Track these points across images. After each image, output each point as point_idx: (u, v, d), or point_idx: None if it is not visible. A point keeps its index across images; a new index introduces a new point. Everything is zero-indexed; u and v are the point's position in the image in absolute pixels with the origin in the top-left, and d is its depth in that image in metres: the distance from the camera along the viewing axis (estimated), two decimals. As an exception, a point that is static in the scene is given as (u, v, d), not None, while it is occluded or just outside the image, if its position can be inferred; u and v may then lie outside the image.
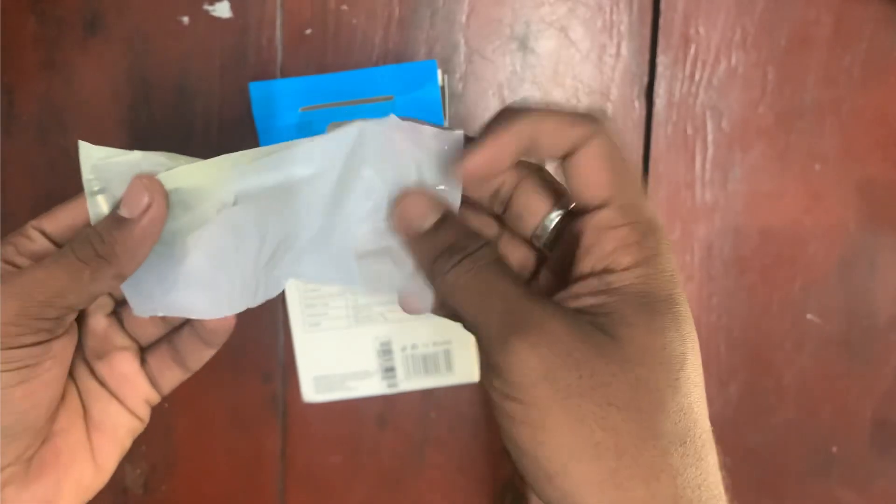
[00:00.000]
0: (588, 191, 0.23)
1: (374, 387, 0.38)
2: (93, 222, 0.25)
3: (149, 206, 0.24)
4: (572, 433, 0.21)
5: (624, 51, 0.40)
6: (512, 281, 0.22)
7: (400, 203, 0.24)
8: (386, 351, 0.37)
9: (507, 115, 0.23)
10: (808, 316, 0.41)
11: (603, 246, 0.23)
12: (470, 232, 0.24)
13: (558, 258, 0.25)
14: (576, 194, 0.24)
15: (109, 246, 0.24)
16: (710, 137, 0.40)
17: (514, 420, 0.21)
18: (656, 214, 0.24)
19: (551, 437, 0.21)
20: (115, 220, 0.24)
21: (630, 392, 0.21)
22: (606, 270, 0.23)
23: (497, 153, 0.23)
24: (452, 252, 0.23)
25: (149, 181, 0.24)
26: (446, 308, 0.25)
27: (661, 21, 0.40)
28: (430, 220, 0.24)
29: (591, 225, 0.23)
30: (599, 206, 0.23)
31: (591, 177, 0.23)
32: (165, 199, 0.24)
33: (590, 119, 0.23)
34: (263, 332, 0.41)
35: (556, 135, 0.23)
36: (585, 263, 0.23)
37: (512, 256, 0.26)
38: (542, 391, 0.21)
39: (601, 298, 0.22)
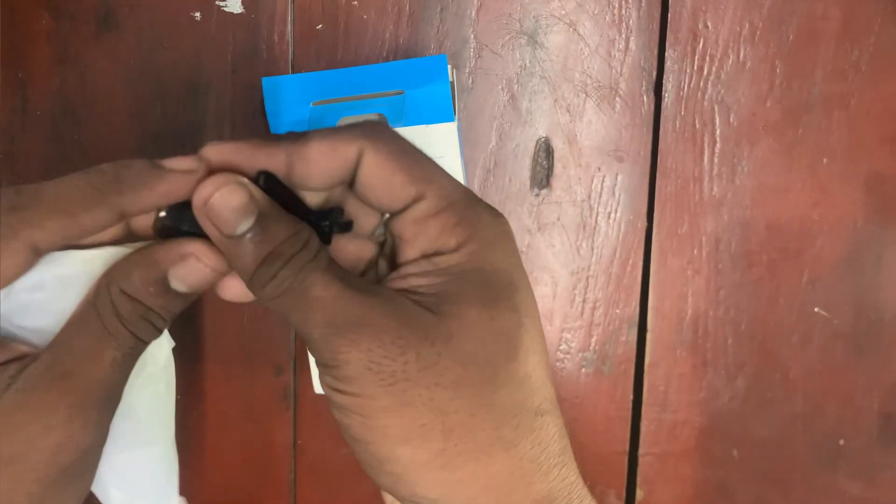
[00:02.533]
0: (390, 201, 0.23)
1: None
2: None
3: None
4: (399, 418, 0.21)
5: (632, 45, 0.40)
6: (331, 281, 0.22)
7: (206, 194, 0.22)
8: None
9: (283, 136, 0.23)
10: (816, 309, 0.41)
11: (427, 234, 0.23)
12: (288, 232, 0.22)
13: (391, 247, 0.25)
14: (381, 206, 0.23)
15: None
16: (718, 132, 0.40)
17: (345, 411, 0.22)
18: (468, 190, 0.23)
19: (379, 424, 0.21)
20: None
21: (458, 369, 0.21)
22: (436, 253, 0.23)
23: (241, 158, 0.22)
24: (272, 261, 0.21)
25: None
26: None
27: (670, 16, 0.40)
28: (245, 223, 0.21)
29: (409, 221, 0.23)
30: (410, 204, 0.23)
31: (384, 186, 0.22)
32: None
33: (353, 133, 0.22)
34: (274, 326, 0.42)
35: (320, 163, 0.22)
36: (412, 250, 0.23)
37: (347, 248, 0.25)
38: (367, 381, 0.21)
39: (428, 279, 0.22)
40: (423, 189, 0.22)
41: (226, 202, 0.21)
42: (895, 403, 0.42)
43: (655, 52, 0.40)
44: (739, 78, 0.40)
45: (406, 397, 0.21)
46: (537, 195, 0.41)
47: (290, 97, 0.36)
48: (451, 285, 0.22)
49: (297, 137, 0.23)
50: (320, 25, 0.40)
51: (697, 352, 0.42)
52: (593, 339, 0.42)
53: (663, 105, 0.40)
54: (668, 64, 0.40)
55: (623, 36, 0.40)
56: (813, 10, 0.40)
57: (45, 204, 0.21)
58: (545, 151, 0.41)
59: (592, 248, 0.41)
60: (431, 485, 0.21)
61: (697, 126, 0.40)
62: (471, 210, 0.23)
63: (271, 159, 0.22)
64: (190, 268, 0.22)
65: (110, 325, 0.22)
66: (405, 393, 0.21)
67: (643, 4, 0.40)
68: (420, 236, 0.23)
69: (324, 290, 0.21)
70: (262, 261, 0.21)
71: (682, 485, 0.42)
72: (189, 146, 0.40)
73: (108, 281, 0.22)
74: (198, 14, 0.40)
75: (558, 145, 0.40)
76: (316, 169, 0.22)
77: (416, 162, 0.23)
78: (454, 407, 0.21)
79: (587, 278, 0.41)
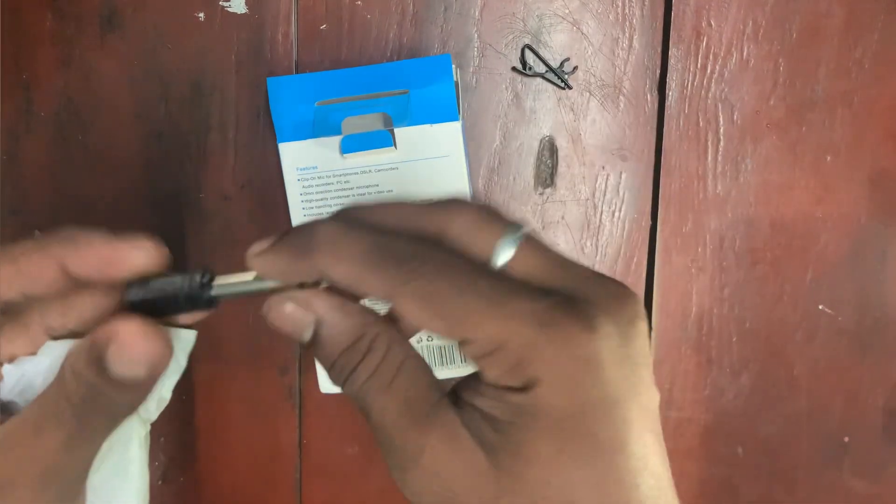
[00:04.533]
0: (440, 336, 0.20)
1: (389, 378, 0.38)
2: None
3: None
4: None
5: (636, 44, 0.40)
6: (387, 405, 0.21)
7: (272, 315, 0.22)
8: (401, 343, 0.38)
9: (306, 235, 0.21)
10: (820, 307, 0.42)
11: (490, 371, 0.20)
12: (347, 341, 0.21)
13: None
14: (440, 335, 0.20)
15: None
16: (721, 130, 0.40)
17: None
18: (535, 317, 0.19)
19: None
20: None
21: None
22: (506, 388, 0.20)
23: (277, 269, 0.21)
24: (338, 368, 0.21)
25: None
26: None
27: (673, 14, 0.40)
28: (306, 334, 0.21)
29: (468, 355, 0.20)
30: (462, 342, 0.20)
31: (428, 327, 0.20)
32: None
33: (390, 266, 0.20)
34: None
35: (355, 286, 0.20)
36: (484, 376, 0.21)
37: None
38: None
39: (494, 408, 0.20)
40: (464, 335, 0.19)
41: (283, 316, 0.21)
42: (900, 400, 0.42)
43: (659, 50, 0.40)
44: (743, 76, 0.40)
45: None
46: (541, 194, 0.41)
47: (294, 97, 0.36)
48: (513, 429, 0.20)
49: (328, 248, 0.21)
50: (324, 25, 0.40)
51: (702, 349, 0.42)
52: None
53: (667, 103, 0.40)
54: (671, 62, 0.40)
55: (627, 34, 0.40)
56: (816, 7, 0.40)
57: None
58: (549, 150, 0.41)
59: (597, 247, 0.41)
60: None
61: (701, 124, 0.40)
62: (532, 348, 0.19)
63: (309, 274, 0.21)
64: (120, 351, 0.20)
65: (57, 405, 0.20)
66: None
67: (647, 3, 0.40)
68: (485, 371, 0.20)
69: (380, 416, 0.21)
70: (332, 363, 0.21)
71: (687, 482, 0.42)
72: (193, 146, 0.40)
73: (67, 358, 0.21)
74: (202, 14, 0.40)
75: (562, 144, 0.40)
76: (353, 290, 0.21)
77: (455, 308, 0.19)
78: None
79: (592, 277, 0.41)
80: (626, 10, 0.40)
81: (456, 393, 0.22)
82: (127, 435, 0.25)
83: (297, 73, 0.40)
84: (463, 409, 0.21)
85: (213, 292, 0.23)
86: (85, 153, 0.41)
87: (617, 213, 0.41)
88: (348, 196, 0.37)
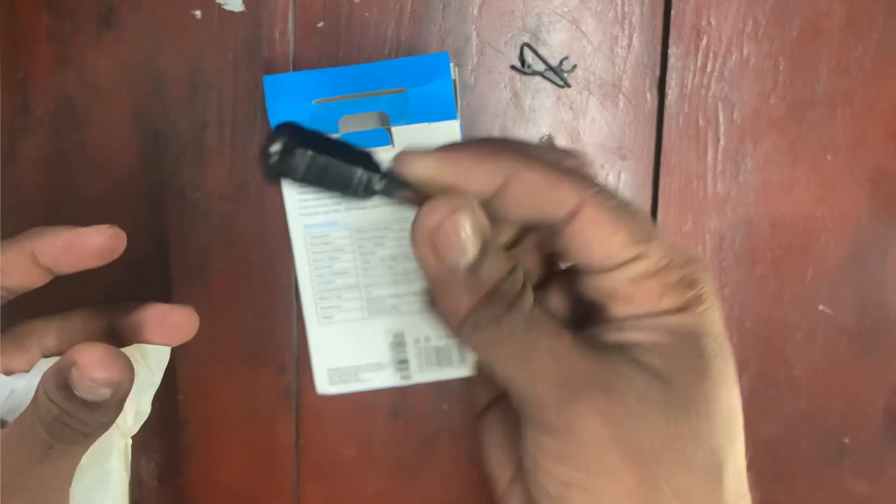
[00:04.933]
0: (603, 259, 0.20)
1: (387, 379, 0.38)
2: None
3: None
4: (645, 499, 0.19)
5: (636, 42, 0.40)
6: (561, 331, 0.20)
7: (439, 218, 0.19)
8: (399, 343, 0.37)
9: (490, 144, 0.20)
10: (820, 307, 0.41)
11: (648, 293, 0.20)
12: (506, 268, 0.20)
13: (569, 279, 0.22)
14: (589, 263, 0.20)
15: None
16: (721, 129, 0.40)
17: (570, 487, 0.19)
18: (685, 248, 0.21)
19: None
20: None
21: (694, 450, 0.19)
22: (659, 313, 0.20)
23: (453, 169, 0.20)
24: (493, 302, 0.19)
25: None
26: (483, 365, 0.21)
27: (673, 12, 0.40)
28: (470, 254, 0.19)
29: (624, 280, 0.20)
30: (626, 262, 0.20)
31: (600, 244, 0.20)
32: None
33: (576, 180, 0.20)
34: (277, 325, 0.41)
35: (538, 195, 0.19)
36: (627, 308, 0.20)
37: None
38: (612, 457, 0.19)
39: (653, 336, 0.20)
40: (644, 249, 0.20)
41: (459, 228, 0.19)
42: (900, 401, 0.42)
43: (658, 49, 0.40)
44: (743, 75, 0.40)
45: (652, 479, 0.19)
46: (540, 193, 0.41)
47: (291, 95, 0.36)
48: (678, 351, 0.20)
49: (513, 154, 0.20)
50: (321, 23, 0.40)
51: (701, 350, 0.41)
52: (597, 338, 0.42)
53: (667, 102, 0.40)
54: (671, 61, 0.40)
55: (626, 33, 0.40)
56: (816, 6, 0.40)
57: None
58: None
59: (596, 246, 0.41)
60: None
61: (701, 123, 0.40)
62: (691, 267, 0.20)
63: (487, 179, 0.20)
64: (82, 375, 0.20)
65: (32, 424, 0.21)
66: (654, 476, 0.19)
67: (646, 1, 0.40)
68: (638, 296, 0.20)
69: (555, 340, 0.19)
70: (479, 301, 0.19)
71: (686, 483, 0.42)
72: (190, 144, 0.40)
73: (41, 381, 0.21)
74: (198, 12, 0.39)
75: (561, 143, 0.40)
76: (528, 202, 0.20)
77: (637, 220, 0.20)
78: (695, 491, 0.19)
79: (591, 276, 0.41)
80: (626, 9, 0.40)
81: (593, 341, 0.21)
82: (107, 448, 0.25)
83: (294, 71, 0.40)
84: (615, 351, 0.20)
85: (381, 187, 0.21)
86: (81, 151, 0.40)
87: (616, 213, 0.41)
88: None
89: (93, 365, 0.20)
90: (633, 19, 0.40)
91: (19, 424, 0.21)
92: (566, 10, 0.40)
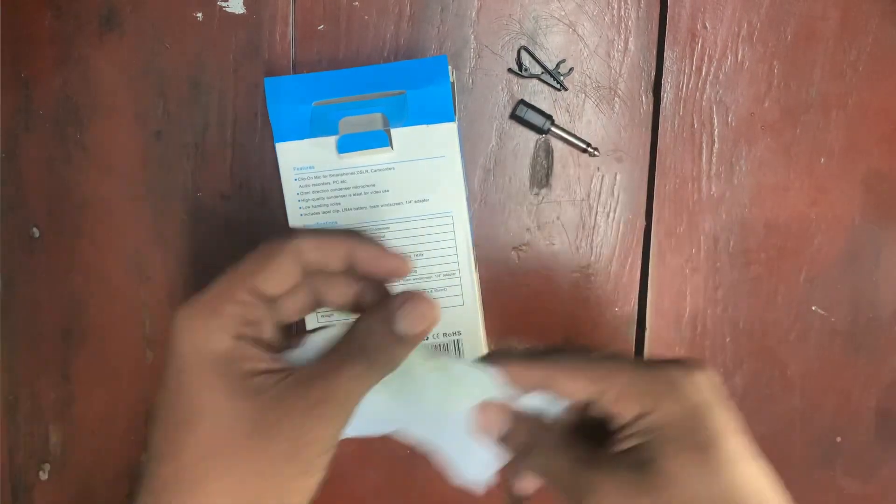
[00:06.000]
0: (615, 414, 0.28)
1: (385, 376, 0.38)
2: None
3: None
4: None
5: (632, 46, 0.40)
6: (571, 458, 0.28)
7: (479, 416, 0.30)
8: (397, 341, 0.38)
9: (573, 358, 0.29)
10: (814, 308, 0.42)
11: (625, 408, 0.28)
12: (533, 428, 0.29)
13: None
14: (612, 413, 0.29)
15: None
16: (716, 131, 0.41)
17: None
18: (646, 369, 0.28)
19: None
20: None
21: None
22: (640, 416, 0.27)
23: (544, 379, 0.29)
24: (526, 449, 0.29)
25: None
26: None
27: (669, 16, 0.40)
28: (504, 426, 0.30)
29: (605, 405, 0.28)
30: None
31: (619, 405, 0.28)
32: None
33: (612, 376, 0.29)
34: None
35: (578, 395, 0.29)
36: (620, 418, 0.28)
37: None
38: None
39: (639, 438, 0.27)
40: (613, 388, 0.28)
41: (493, 427, 0.30)
42: (892, 400, 0.42)
43: (654, 52, 0.40)
44: (738, 78, 0.40)
45: None
46: (537, 194, 0.41)
47: (292, 97, 0.36)
48: (656, 441, 0.27)
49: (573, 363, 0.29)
50: (322, 26, 0.40)
51: (696, 349, 0.42)
52: (593, 338, 0.42)
53: (662, 105, 0.40)
54: (666, 64, 0.40)
55: (622, 37, 0.40)
56: (811, 10, 0.40)
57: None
58: (545, 151, 0.41)
59: (591, 247, 0.41)
60: None
61: (696, 126, 0.41)
62: (654, 381, 0.28)
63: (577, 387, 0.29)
64: (411, 318, 0.27)
65: (349, 352, 0.27)
66: None
67: (642, 5, 0.40)
68: (621, 413, 0.28)
69: (567, 463, 0.28)
70: (519, 447, 0.30)
71: (680, 481, 0.43)
72: (191, 145, 0.41)
73: (360, 320, 0.28)
74: (200, 14, 0.40)
75: (558, 145, 0.41)
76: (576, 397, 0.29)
77: (611, 376, 0.28)
78: None
79: (587, 277, 0.42)
80: (622, 13, 0.40)
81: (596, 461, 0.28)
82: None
83: (294, 73, 0.40)
84: (608, 459, 0.28)
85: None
86: (83, 151, 0.41)
87: (612, 214, 0.41)
88: (345, 196, 0.37)
89: (422, 306, 0.27)
90: (630, 23, 0.40)
91: (336, 354, 0.27)
92: (563, 13, 0.40)
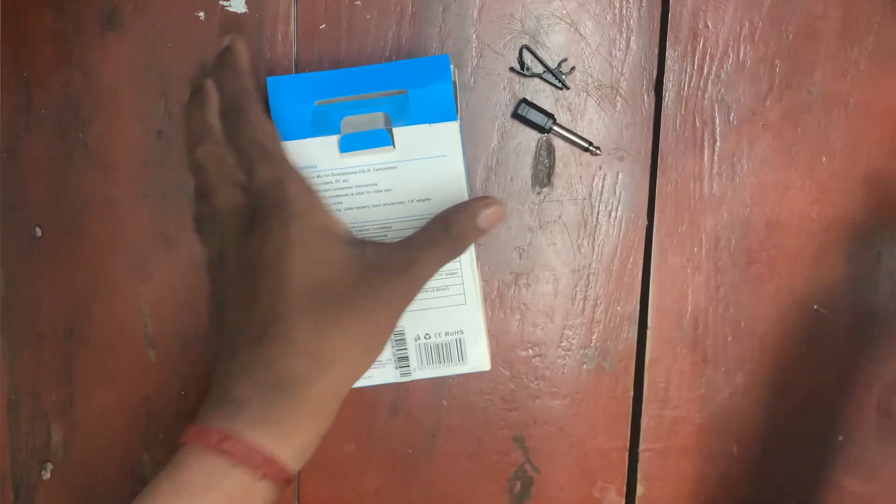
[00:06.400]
0: None
1: (387, 375, 0.38)
2: None
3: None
4: None
5: (633, 45, 0.40)
6: None
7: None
8: (399, 340, 0.38)
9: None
10: (815, 307, 0.42)
11: None
12: None
13: None
14: None
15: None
16: (718, 130, 0.41)
17: None
18: None
19: None
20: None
21: None
22: None
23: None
24: None
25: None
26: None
27: (670, 15, 0.40)
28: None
29: None
30: None
31: None
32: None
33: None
34: (278, 323, 0.42)
35: None
36: None
37: None
38: None
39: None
40: None
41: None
42: (894, 399, 0.42)
43: (656, 51, 0.40)
44: (739, 77, 0.40)
45: None
46: (539, 193, 0.41)
47: (293, 96, 0.36)
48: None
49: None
50: (323, 25, 0.40)
51: (697, 349, 0.42)
52: (594, 336, 0.42)
53: (664, 104, 0.40)
54: (668, 63, 0.40)
55: (624, 35, 0.40)
56: (813, 9, 0.40)
57: None
58: (547, 150, 0.41)
59: (593, 246, 0.41)
60: None
61: (698, 125, 0.41)
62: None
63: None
64: (489, 214, 0.32)
65: (438, 238, 0.32)
66: None
67: (644, 4, 0.40)
68: None
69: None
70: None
71: (682, 480, 0.43)
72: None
73: (451, 215, 0.33)
74: (202, 14, 0.40)
75: (559, 144, 0.41)
76: None
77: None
78: None
79: (588, 276, 0.42)
80: (624, 12, 0.40)
81: None
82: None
83: (296, 72, 0.40)
84: None
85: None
86: (84, 151, 0.41)
87: (613, 213, 0.41)
88: (347, 195, 0.37)
89: (497, 209, 0.32)
90: (631, 22, 0.40)
91: (428, 239, 0.32)
92: (565, 12, 0.40)
